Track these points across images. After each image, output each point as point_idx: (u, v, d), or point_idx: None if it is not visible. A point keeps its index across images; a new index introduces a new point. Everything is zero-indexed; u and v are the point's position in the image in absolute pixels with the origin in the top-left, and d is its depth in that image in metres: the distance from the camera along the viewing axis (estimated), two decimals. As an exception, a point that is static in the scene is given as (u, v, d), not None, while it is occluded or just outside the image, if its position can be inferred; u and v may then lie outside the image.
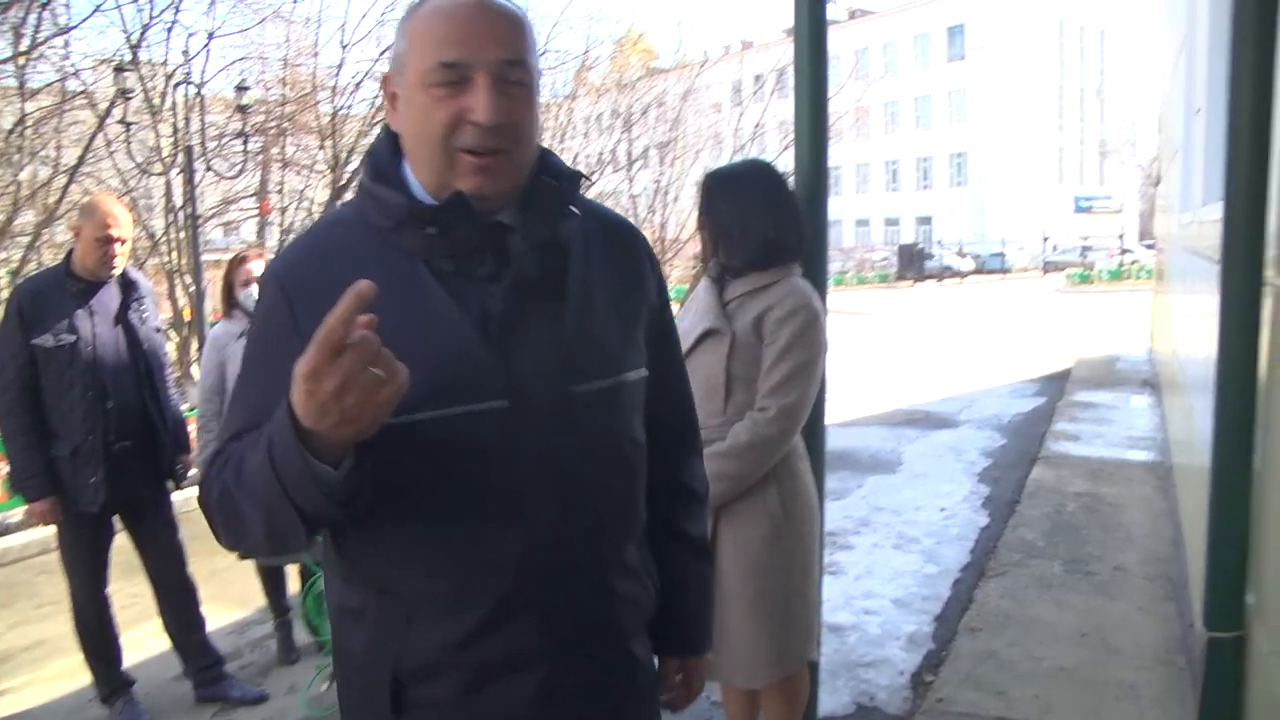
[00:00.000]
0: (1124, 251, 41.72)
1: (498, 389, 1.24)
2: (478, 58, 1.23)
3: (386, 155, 1.34)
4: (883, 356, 15.34)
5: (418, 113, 1.26)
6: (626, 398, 1.37)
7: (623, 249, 1.44)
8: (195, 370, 10.11)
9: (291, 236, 13.74)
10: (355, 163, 12.61)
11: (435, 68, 1.23)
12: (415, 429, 1.19)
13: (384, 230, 1.28)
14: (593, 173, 14.81)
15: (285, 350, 1.14)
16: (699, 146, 19.47)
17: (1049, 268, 43.65)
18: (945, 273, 42.42)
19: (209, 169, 12.52)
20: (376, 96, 12.84)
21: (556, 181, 1.34)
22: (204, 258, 11.64)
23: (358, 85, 12.83)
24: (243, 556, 3.80)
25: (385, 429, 1.10)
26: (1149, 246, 36.28)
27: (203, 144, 11.84)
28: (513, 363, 1.25)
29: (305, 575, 4.21)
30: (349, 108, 13.09)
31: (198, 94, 11.84)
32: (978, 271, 43.58)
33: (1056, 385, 11.47)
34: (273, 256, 1.43)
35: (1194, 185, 5.28)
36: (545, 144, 1.44)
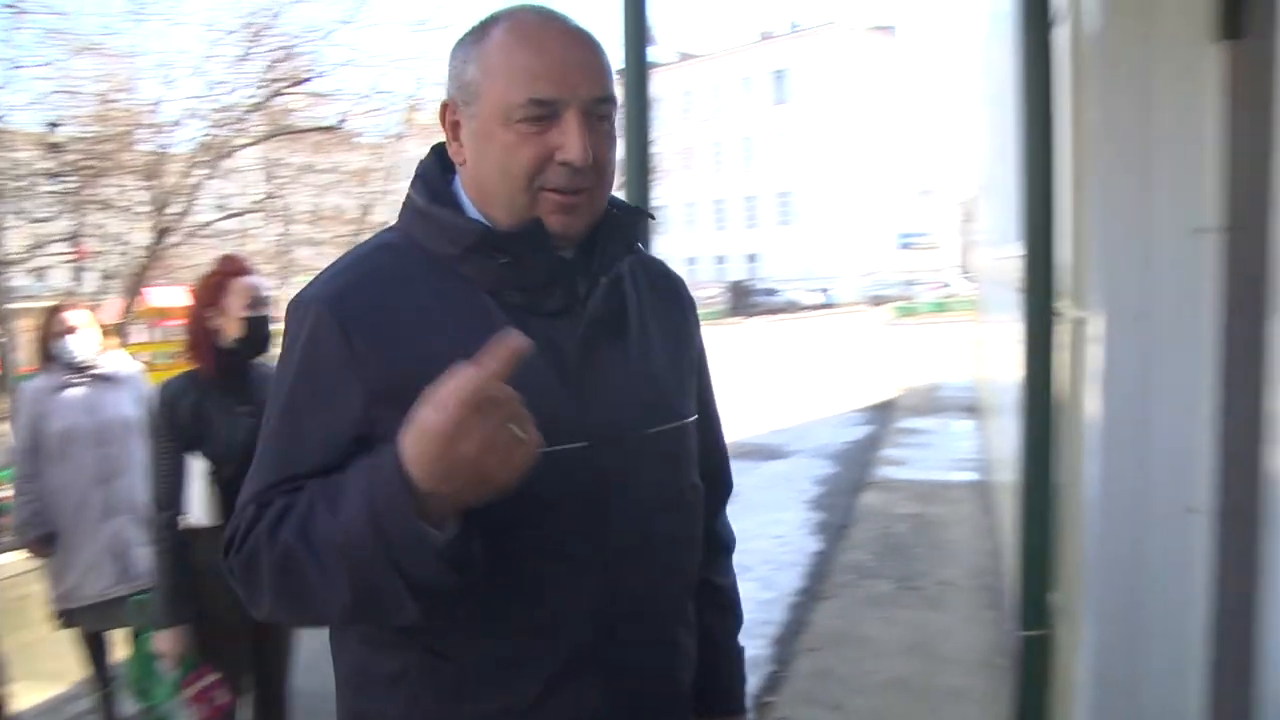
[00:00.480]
0: (945, 285, 43.99)
1: (577, 430, 1.16)
2: (570, 95, 1.15)
3: (439, 178, 1.26)
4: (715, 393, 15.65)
5: (499, 149, 1.16)
6: (688, 442, 1.32)
7: (671, 294, 1.39)
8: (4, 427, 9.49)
9: (112, 281, 13.10)
10: (178, 205, 12.18)
11: (525, 104, 1.14)
12: None
13: (443, 257, 1.18)
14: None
15: (340, 387, 1.10)
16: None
17: (875, 301, 45.66)
18: (790, 307, 44.01)
19: (16, 211, 11.85)
20: (205, 134, 12.45)
21: (626, 218, 1.28)
22: (11, 306, 10.97)
23: (178, 123, 12.43)
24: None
25: None
26: (968, 280, 38.38)
27: (7, 184, 11.18)
28: (590, 403, 1.18)
29: (134, 637, 4.01)
30: (170, 146, 12.67)
31: (-2, 130, 11.22)
32: (820, 306, 45.34)
33: (884, 413, 12.02)
34: (308, 285, 1.24)
35: (1001, 223, 5.68)
36: (375, 186, 1.45)
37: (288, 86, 12.70)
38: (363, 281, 1.17)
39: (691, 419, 1.32)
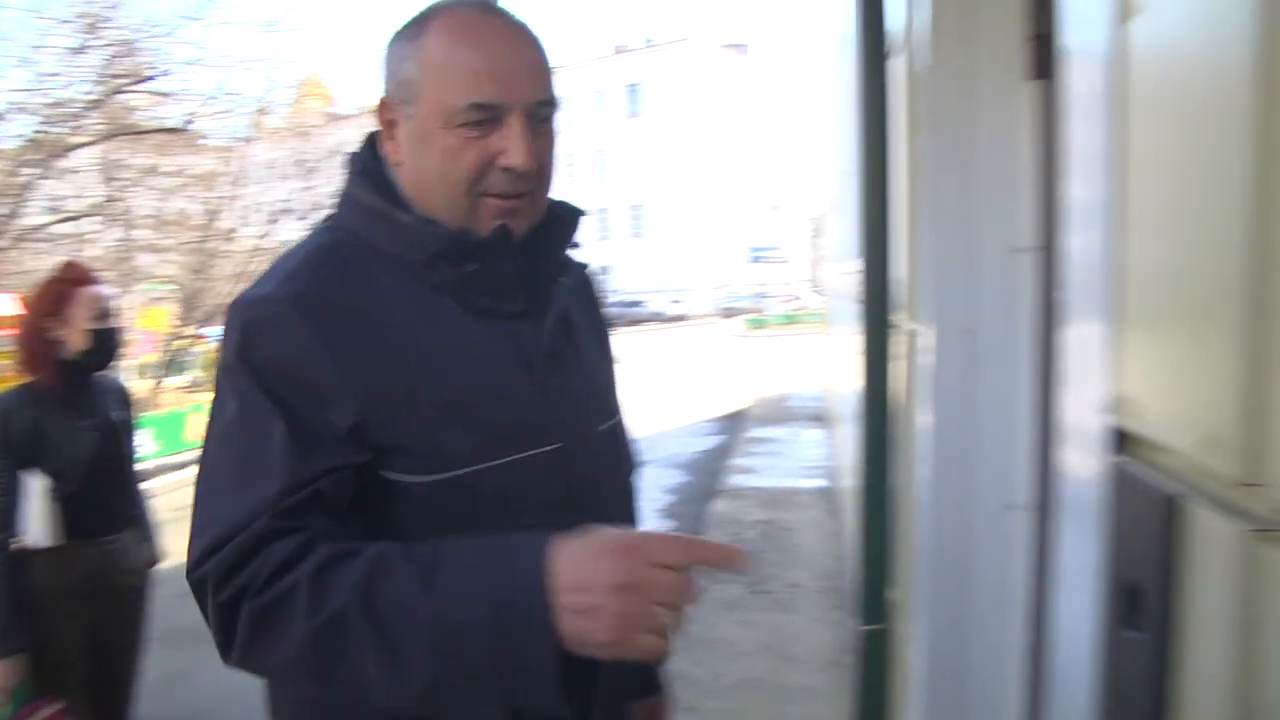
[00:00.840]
0: (795, 298, 45.27)
1: (551, 432, 1.15)
2: (514, 98, 1.11)
3: (383, 175, 1.19)
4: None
5: (440, 153, 1.12)
6: (624, 436, 1.35)
7: (592, 291, 1.40)
8: None
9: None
10: (4, 206, 11.46)
11: (467, 108, 1.10)
12: (479, 479, 1.09)
13: (402, 261, 1.14)
14: (273, 221, 14.26)
15: (318, 386, 1.04)
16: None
17: (727, 314, 46.67)
18: (655, 318, 45.33)
19: None
20: (35, 130, 11.77)
21: (568, 217, 1.26)
22: None
23: (2, 117, 11.70)
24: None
25: (451, 482, 1.04)
26: (817, 293, 39.60)
27: None
28: (558, 404, 1.18)
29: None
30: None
31: None
32: (680, 318, 46.10)
33: (735, 423, 12.32)
34: (255, 286, 1.11)
35: (846, 239, 5.94)
36: (222, 190, 1.41)
37: (129, 84, 12.12)
38: (326, 280, 1.11)
39: (622, 414, 1.36)
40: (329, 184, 18.15)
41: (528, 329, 1.18)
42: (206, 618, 1.01)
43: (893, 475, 2.77)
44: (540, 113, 1.14)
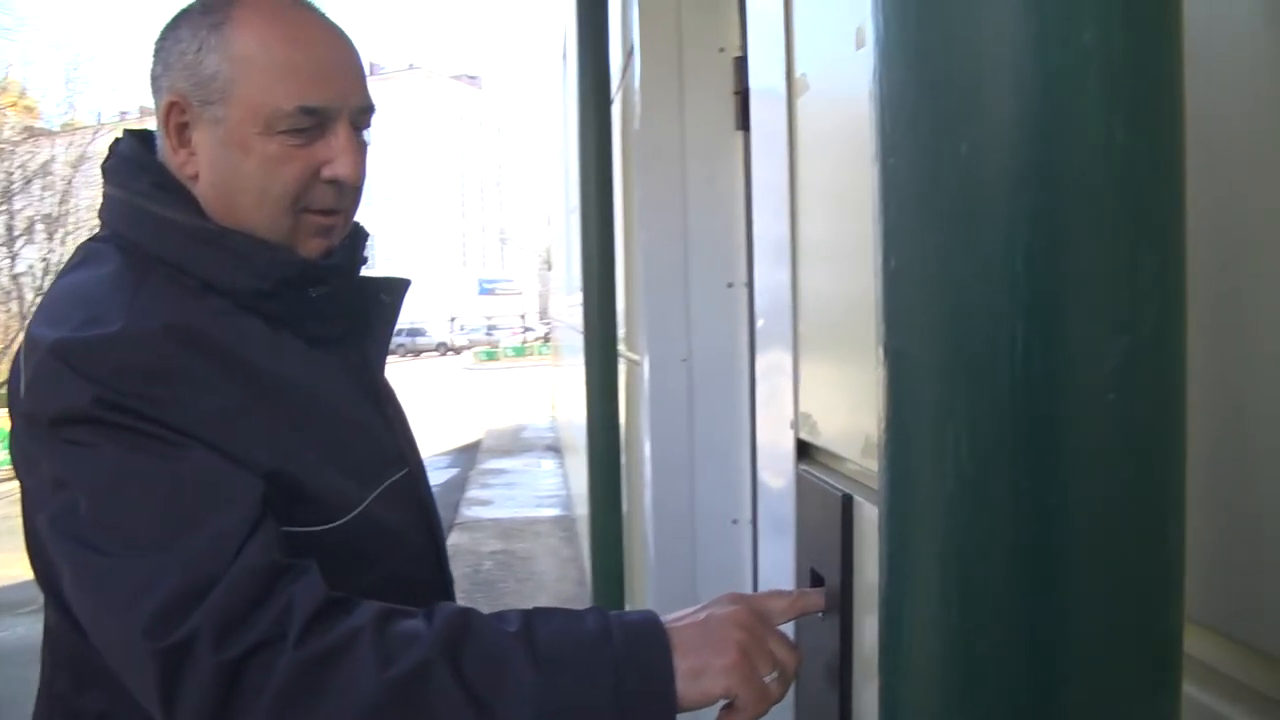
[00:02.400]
0: (526, 330, 45.64)
1: (398, 457, 1.07)
2: (342, 103, 0.99)
3: (182, 188, 1.01)
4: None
5: (258, 164, 0.97)
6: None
7: (395, 301, 1.26)
8: None
9: None
10: None
11: (294, 113, 0.96)
12: (365, 517, 0.97)
13: (233, 291, 0.97)
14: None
15: (225, 415, 0.89)
16: (94, 221, 17.92)
17: (458, 346, 46.61)
18: (440, 348, 46.21)
19: None
20: None
21: (358, 234, 1.15)
22: None
23: None
24: None
25: (347, 526, 0.94)
26: (547, 325, 40.07)
27: None
28: (398, 428, 1.11)
29: None
30: None
31: None
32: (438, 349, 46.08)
33: (468, 455, 12.26)
34: (77, 325, 0.87)
35: (573, 271, 6.12)
36: None
37: None
38: (176, 311, 0.93)
39: None
40: (33, 208, 16.68)
41: (352, 354, 1.08)
42: (175, 688, 0.78)
43: (623, 499, 2.91)
44: (360, 120, 1.02)
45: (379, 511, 0.99)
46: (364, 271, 1.17)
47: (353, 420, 1.02)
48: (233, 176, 0.98)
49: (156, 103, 1.01)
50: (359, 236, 1.14)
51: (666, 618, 0.84)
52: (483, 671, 0.78)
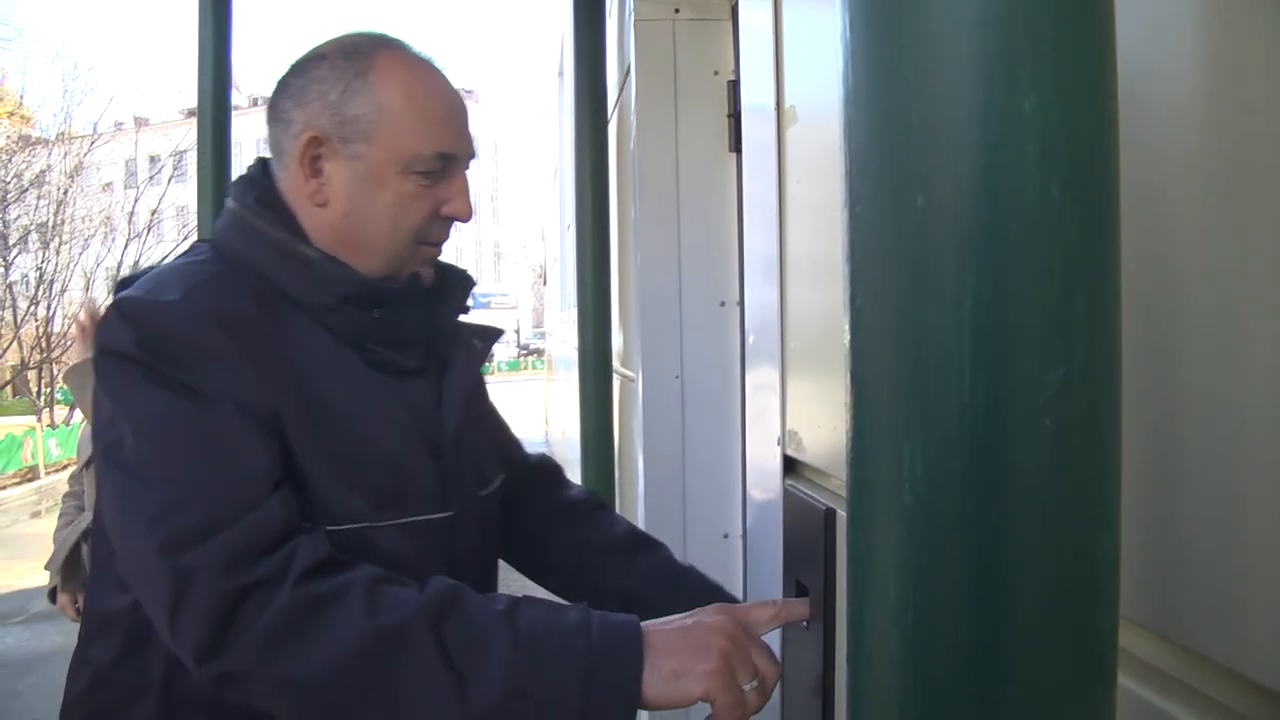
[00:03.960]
0: (521, 345, 45.62)
1: (441, 498, 1.10)
2: (465, 151, 1.12)
3: (286, 210, 1.10)
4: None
5: (393, 199, 1.07)
6: (498, 501, 1.27)
7: (487, 350, 1.30)
8: None
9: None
10: None
11: (431, 157, 1.07)
12: (364, 539, 1.01)
13: (302, 302, 1.06)
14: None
15: (247, 390, 0.96)
16: (89, 231, 17.91)
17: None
18: None
19: None
20: None
21: (461, 274, 1.23)
22: None
23: None
24: None
25: (340, 535, 0.95)
26: (542, 340, 40.04)
27: None
28: (449, 468, 1.12)
29: None
30: None
31: None
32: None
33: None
34: (147, 292, 1.01)
35: (568, 287, 6.16)
36: None
37: None
38: (232, 300, 1.02)
39: (500, 479, 1.27)
40: (28, 216, 16.64)
41: (424, 388, 1.13)
42: (179, 605, 0.88)
43: (618, 512, 2.95)
44: (469, 166, 1.14)
45: (388, 541, 1.03)
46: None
47: (387, 448, 1.06)
48: (367, 208, 1.08)
49: (281, 133, 1.11)
50: (460, 281, 1.22)
51: (655, 622, 0.88)
52: (463, 642, 0.84)
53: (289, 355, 1.02)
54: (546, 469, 1.43)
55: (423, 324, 1.14)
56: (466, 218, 1.12)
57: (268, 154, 1.15)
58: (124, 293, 1.02)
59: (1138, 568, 0.46)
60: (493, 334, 1.26)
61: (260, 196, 1.11)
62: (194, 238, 2.58)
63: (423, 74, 1.10)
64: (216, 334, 0.97)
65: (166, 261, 1.13)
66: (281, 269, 1.07)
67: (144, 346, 0.96)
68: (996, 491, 0.35)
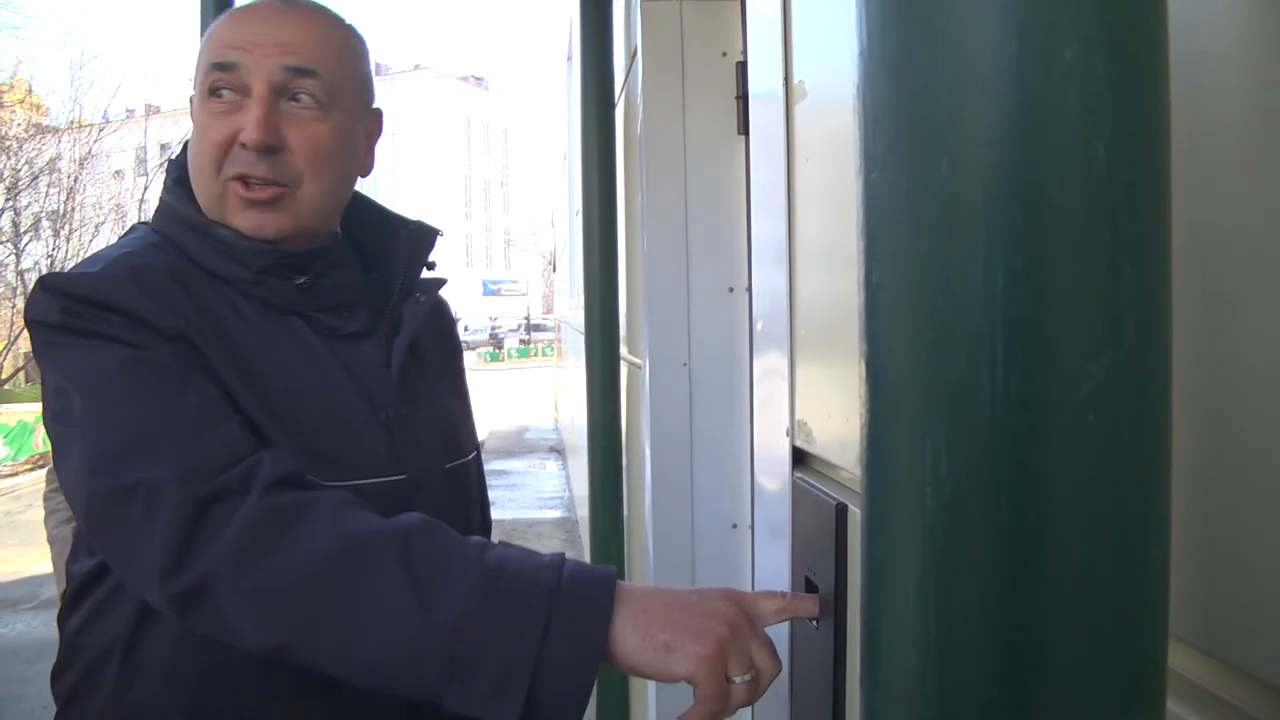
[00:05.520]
0: (530, 332, 45.65)
1: (392, 462, 1.05)
2: (253, 61, 1.00)
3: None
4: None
5: (197, 132, 1.03)
6: (473, 478, 1.24)
7: (446, 321, 1.30)
8: None
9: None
10: None
11: (208, 69, 1.01)
12: None
13: (224, 276, 1.02)
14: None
15: (194, 335, 0.95)
16: (99, 219, 17.95)
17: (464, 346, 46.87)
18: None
19: None
20: None
21: (421, 234, 1.18)
22: None
23: None
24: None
25: None
26: (552, 327, 40.15)
27: None
28: (402, 434, 1.08)
29: None
30: None
31: None
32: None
33: (475, 456, 12.27)
34: (81, 264, 1.01)
35: (577, 274, 6.13)
36: None
37: None
38: (170, 259, 1.01)
39: (474, 454, 1.24)
40: (39, 204, 16.69)
41: (371, 351, 1.09)
42: (139, 524, 0.85)
43: (624, 501, 2.91)
44: (293, 85, 1.02)
45: None
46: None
47: (332, 414, 1.03)
48: (192, 150, 1.05)
49: None
50: (414, 236, 1.17)
51: (660, 588, 0.85)
52: (427, 559, 0.81)
53: (216, 321, 0.99)
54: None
55: (356, 285, 1.09)
56: (249, 139, 0.99)
57: None
58: (50, 272, 1.01)
59: (1188, 580, 0.41)
60: (435, 284, 1.20)
61: (180, 177, 1.08)
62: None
63: (241, 4, 1.06)
64: (138, 296, 0.94)
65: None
66: (199, 247, 1.03)
67: (70, 313, 0.94)
68: (1031, 495, 0.31)
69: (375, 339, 1.10)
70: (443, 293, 1.28)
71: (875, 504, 0.34)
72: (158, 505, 0.84)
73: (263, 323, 1.02)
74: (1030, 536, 0.31)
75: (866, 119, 0.34)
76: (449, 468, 1.16)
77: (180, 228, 1.05)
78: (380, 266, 1.15)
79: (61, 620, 1.10)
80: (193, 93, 1.04)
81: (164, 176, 1.11)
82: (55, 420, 0.94)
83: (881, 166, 0.33)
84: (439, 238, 1.22)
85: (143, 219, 1.17)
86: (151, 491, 0.85)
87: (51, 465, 3.14)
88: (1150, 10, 0.32)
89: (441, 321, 1.29)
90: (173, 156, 1.12)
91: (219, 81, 1.01)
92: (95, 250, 1.09)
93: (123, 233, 1.13)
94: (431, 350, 1.22)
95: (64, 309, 0.94)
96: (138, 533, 0.85)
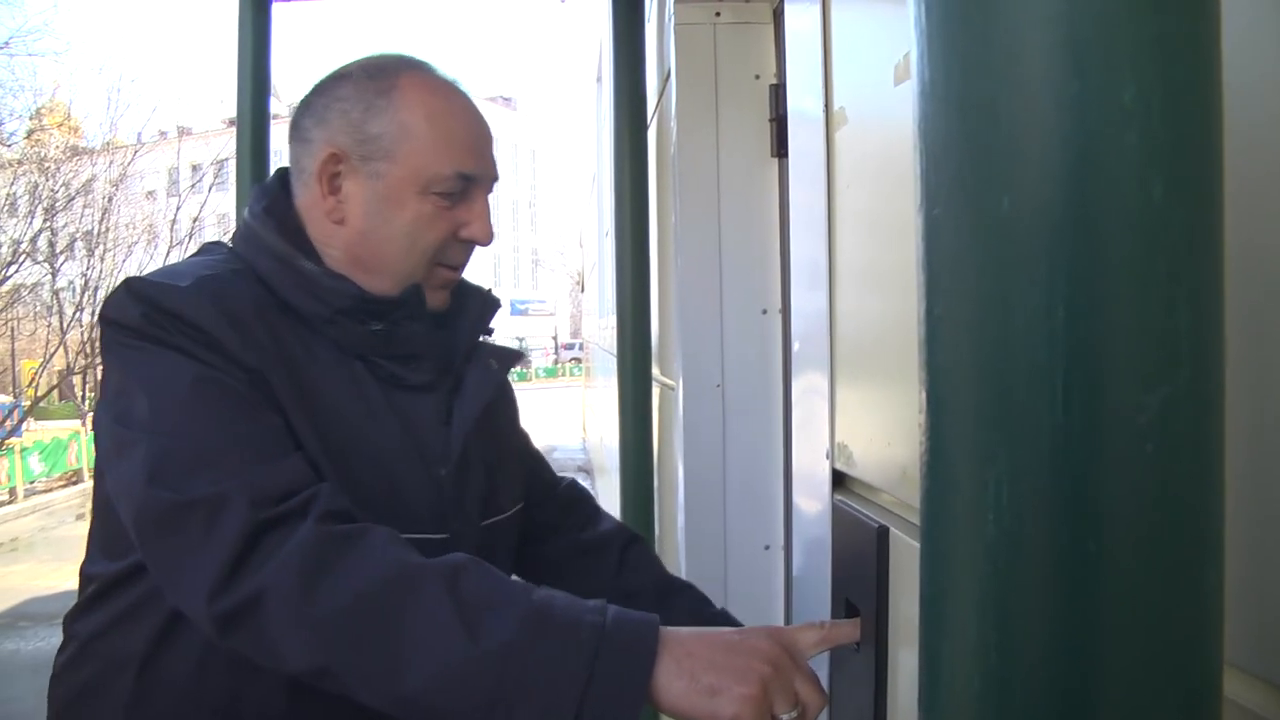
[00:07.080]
0: (558, 351, 45.73)
1: (438, 518, 1.07)
2: (485, 173, 1.11)
3: (294, 221, 1.10)
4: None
5: (411, 219, 1.07)
6: (511, 535, 1.23)
7: (504, 376, 1.27)
8: None
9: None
10: None
11: (451, 177, 1.07)
12: None
13: (303, 313, 1.05)
14: (9, 264, 13.15)
15: (249, 370, 0.96)
16: (132, 239, 18.19)
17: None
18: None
19: None
20: None
21: (485, 295, 1.22)
22: None
23: None
24: None
25: None
26: (580, 347, 40.19)
27: None
28: (451, 489, 1.10)
29: None
30: None
31: None
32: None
33: (504, 475, 12.25)
34: (156, 273, 1.05)
35: (606, 294, 6.15)
36: None
37: None
38: (252, 301, 1.02)
39: (516, 509, 1.24)
40: (74, 224, 16.93)
41: (433, 404, 1.11)
42: (199, 538, 0.87)
43: (657, 522, 2.91)
44: (491, 189, 1.14)
45: None
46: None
47: (380, 459, 1.04)
48: (384, 227, 1.07)
49: (301, 150, 1.11)
50: (482, 301, 1.21)
51: (699, 630, 0.86)
52: (475, 594, 0.83)
53: (287, 356, 1.01)
54: (576, 502, 1.39)
55: (429, 340, 1.12)
56: (485, 241, 1.11)
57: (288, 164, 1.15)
58: (135, 275, 1.03)
59: (1244, 607, 0.42)
60: (511, 356, 1.24)
61: (269, 207, 1.10)
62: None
63: (446, 95, 1.10)
64: (221, 321, 0.96)
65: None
66: (282, 279, 1.06)
67: (151, 321, 0.96)
68: (1091, 524, 0.31)
69: (437, 395, 1.12)
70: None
71: (936, 530, 0.35)
72: (220, 523, 0.86)
73: (329, 361, 1.04)
74: (1089, 563, 0.32)
75: (926, 155, 0.35)
76: (490, 524, 1.17)
77: (266, 258, 1.07)
78: (447, 324, 1.17)
79: (71, 620, 1.10)
80: (367, 163, 1.07)
81: (250, 202, 1.14)
82: (117, 421, 0.95)
83: (942, 203, 0.34)
84: (498, 307, 1.25)
85: (213, 238, 1.20)
86: (216, 508, 0.86)
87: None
88: (1205, 52, 0.32)
89: (507, 382, 1.31)
90: (262, 184, 1.17)
91: (457, 187, 1.08)
92: (175, 263, 1.12)
93: (199, 248, 1.16)
94: (498, 409, 1.24)
95: (144, 315, 0.96)
96: (193, 547, 0.87)
